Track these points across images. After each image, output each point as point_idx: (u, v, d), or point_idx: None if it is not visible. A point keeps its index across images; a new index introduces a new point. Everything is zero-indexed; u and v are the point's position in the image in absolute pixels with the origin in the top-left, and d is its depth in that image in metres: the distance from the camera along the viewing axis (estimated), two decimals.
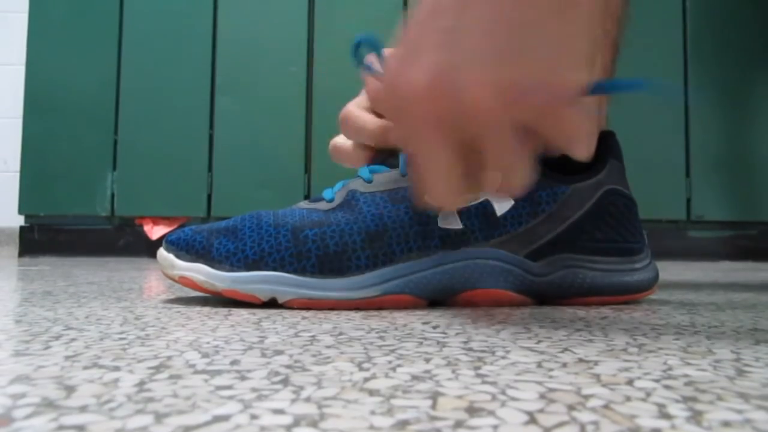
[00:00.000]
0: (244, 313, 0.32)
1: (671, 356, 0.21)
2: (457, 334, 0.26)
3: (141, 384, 0.17)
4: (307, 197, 1.38)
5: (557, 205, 0.37)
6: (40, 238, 1.41)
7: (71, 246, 1.40)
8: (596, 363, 0.20)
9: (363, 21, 1.40)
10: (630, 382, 0.17)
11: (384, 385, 0.17)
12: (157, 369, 0.19)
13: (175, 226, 1.38)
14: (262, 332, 0.26)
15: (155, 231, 1.38)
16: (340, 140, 0.41)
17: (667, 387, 0.17)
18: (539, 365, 0.20)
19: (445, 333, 0.26)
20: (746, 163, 1.40)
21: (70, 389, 0.16)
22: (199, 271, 0.35)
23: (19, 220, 1.43)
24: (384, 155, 0.39)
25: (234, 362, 0.20)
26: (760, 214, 1.39)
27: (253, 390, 0.16)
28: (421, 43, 0.25)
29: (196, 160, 1.40)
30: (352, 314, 0.33)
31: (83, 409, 0.15)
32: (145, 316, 0.31)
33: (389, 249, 0.35)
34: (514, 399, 0.16)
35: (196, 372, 0.18)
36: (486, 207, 0.36)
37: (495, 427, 0.13)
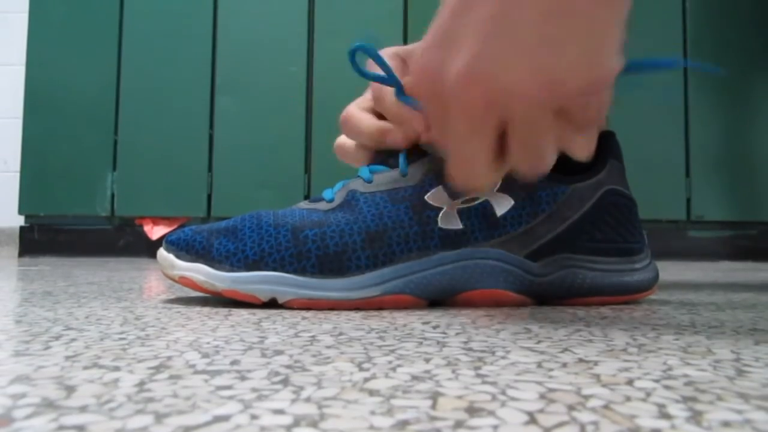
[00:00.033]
0: (244, 313, 0.32)
1: (671, 356, 0.21)
2: (457, 334, 0.26)
3: (141, 384, 0.17)
4: (307, 197, 1.38)
5: (557, 205, 0.37)
6: (40, 238, 1.41)
7: (71, 246, 1.40)
8: (596, 363, 0.20)
9: (363, 21, 1.40)
10: (630, 382, 0.17)
11: (384, 386, 0.17)
12: (157, 369, 0.19)
13: (175, 227, 1.38)
14: (262, 332, 0.26)
15: (155, 231, 1.38)
16: (344, 140, 0.41)
17: (667, 387, 0.17)
18: (539, 365, 0.20)
19: (445, 333, 0.26)
20: (746, 163, 1.40)
21: (70, 389, 0.16)
22: (199, 272, 0.35)
23: (19, 221, 1.43)
24: (384, 155, 0.39)
25: (234, 362, 0.20)
26: (760, 214, 1.39)
27: (253, 390, 0.16)
28: (460, 32, 0.26)
29: (196, 160, 1.40)
30: (352, 314, 0.33)
31: (83, 409, 0.15)
32: (145, 317, 0.31)
33: (389, 249, 0.35)
34: (514, 399, 0.16)
35: (196, 372, 0.18)
36: (486, 207, 0.36)
37: (495, 427, 0.13)
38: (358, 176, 0.38)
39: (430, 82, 0.27)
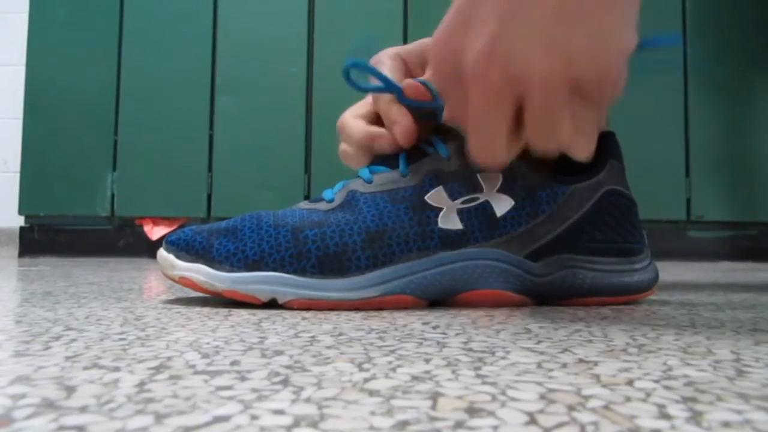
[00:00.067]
0: (244, 313, 0.32)
1: (671, 357, 0.21)
2: (457, 334, 0.26)
3: (141, 384, 0.17)
4: (307, 197, 1.38)
5: (557, 205, 0.37)
6: (40, 239, 1.41)
7: (71, 246, 1.40)
8: (596, 363, 0.20)
9: (363, 21, 1.40)
10: (630, 383, 0.17)
11: (384, 386, 0.17)
12: (157, 369, 0.19)
13: (175, 227, 1.38)
14: (262, 333, 0.26)
15: (155, 231, 1.38)
16: (346, 145, 0.42)
17: (666, 387, 0.17)
18: (539, 366, 0.20)
19: (445, 333, 0.26)
20: (746, 163, 1.40)
21: (70, 390, 0.16)
22: (199, 272, 0.35)
23: (19, 221, 1.43)
24: (384, 155, 0.39)
25: (234, 363, 0.20)
26: (760, 214, 1.39)
27: (253, 390, 0.16)
28: (478, 15, 0.27)
29: (196, 160, 1.40)
30: (352, 315, 0.33)
31: (83, 409, 0.15)
32: (145, 317, 0.31)
33: (389, 249, 0.35)
34: (514, 399, 0.16)
35: (197, 372, 0.18)
36: (486, 207, 0.36)
37: (495, 427, 0.13)
38: (358, 176, 0.38)
39: (450, 63, 0.28)
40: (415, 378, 0.18)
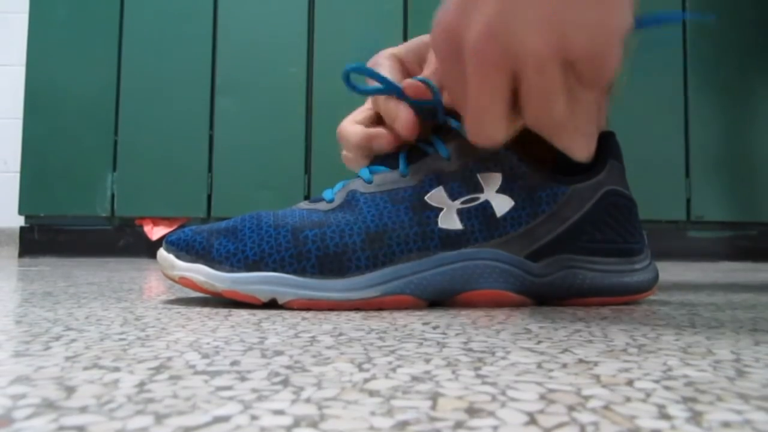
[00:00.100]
0: (244, 313, 0.32)
1: (671, 357, 0.21)
2: (457, 334, 0.26)
3: (141, 385, 0.17)
4: (307, 198, 1.38)
5: (557, 205, 0.37)
6: (40, 239, 1.41)
7: (71, 246, 1.40)
8: (596, 364, 0.20)
9: (363, 21, 1.40)
10: (630, 383, 0.17)
11: (384, 386, 0.17)
12: (158, 370, 0.19)
13: (175, 227, 1.38)
14: (262, 333, 0.26)
15: (155, 231, 1.38)
16: (346, 150, 0.42)
17: (666, 388, 0.17)
18: (539, 366, 0.20)
19: (445, 334, 0.26)
20: (746, 163, 1.40)
21: (70, 390, 0.16)
22: (199, 272, 0.35)
23: (19, 221, 1.43)
24: (384, 156, 0.39)
25: (234, 363, 0.20)
26: (760, 214, 1.39)
27: (254, 391, 0.16)
28: None
29: (196, 160, 1.40)
30: (352, 315, 0.33)
31: (83, 409, 0.15)
32: (145, 317, 0.31)
33: (389, 250, 0.35)
34: (514, 400, 0.16)
35: (197, 373, 0.18)
36: (486, 208, 0.36)
37: (495, 427, 0.13)
38: (358, 176, 0.38)
39: (451, 41, 0.29)
40: (415, 378, 0.18)
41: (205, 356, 0.21)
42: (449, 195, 0.36)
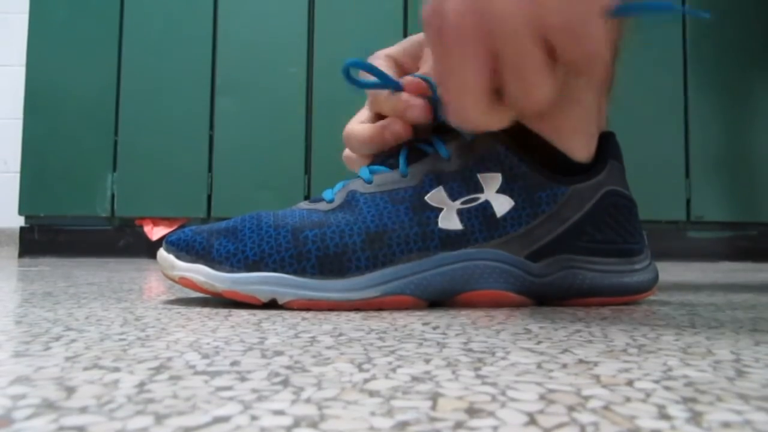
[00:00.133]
0: (244, 314, 0.32)
1: (671, 357, 0.21)
2: (457, 335, 0.26)
3: (141, 385, 0.17)
4: (307, 198, 1.38)
5: (557, 206, 0.37)
6: (40, 239, 1.41)
7: (71, 247, 1.40)
8: (596, 364, 0.20)
9: (363, 21, 1.40)
10: (630, 383, 0.17)
11: (384, 386, 0.17)
12: (158, 370, 0.19)
13: (175, 227, 1.38)
14: (262, 333, 0.26)
15: (155, 232, 1.38)
16: (350, 151, 0.42)
17: (666, 388, 0.17)
18: (539, 366, 0.20)
19: (445, 334, 0.26)
20: (746, 164, 1.40)
21: (70, 390, 0.16)
22: (199, 272, 0.35)
23: (20, 221, 1.43)
24: (384, 156, 0.39)
25: (234, 363, 0.20)
26: (759, 214, 1.39)
27: (254, 391, 0.16)
28: None
29: (196, 160, 1.40)
30: (352, 315, 0.33)
31: (83, 410, 0.15)
32: (145, 317, 0.31)
33: (389, 250, 0.35)
34: (514, 400, 0.16)
35: (197, 373, 0.18)
36: (486, 208, 0.36)
37: (495, 428, 0.13)
38: (358, 177, 0.38)
39: (435, 21, 0.29)
40: (415, 378, 0.18)
41: (205, 356, 0.21)
42: (449, 195, 0.36)
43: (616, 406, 0.15)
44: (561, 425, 0.14)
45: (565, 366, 0.20)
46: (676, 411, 0.15)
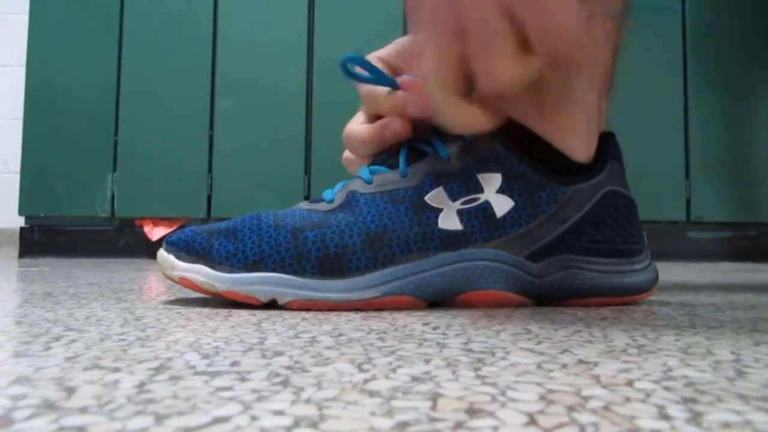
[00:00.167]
0: (244, 314, 0.32)
1: (671, 357, 0.21)
2: (457, 335, 0.26)
3: (141, 385, 0.17)
4: (307, 198, 1.38)
5: (557, 206, 0.37)
6: (41, 239, 1.41)
7: (71, 247, 1.40)
8: (596, 364, 0.20)
9: (363, 21, 1.40)
10: (630, 384, 0.17)
11: (384, 387, 0.17)
12: (158, 370, 0.19)
13: (175, 227, 1.38)
14: (262, 333, 0.26)
15: (155, 232, 1.38)
16: (349, 153, 0.42)
17: (666, 388, 0.17)
18: (539, 366, 0.20)
19: (445, 334, 0.26)
20: (746, 164, 1.40)
21: (70, 390, 0.16)
22: (199, 272, 0.35)
23: (20, 221, 1.43)
24: (384, 156, 0.39)
25: (234, 363, 0.20)
26: (759, 215, 1.39)
27: (254, 391, 0.16)
28: None
29: (196, 161, 1.40)
30: (352, 315, 0.33)
31: (83, 410, 0.15)
32: (146, 317, 0.31)
33: (389, 250, 0.35)
34: (513, 400, 0.16)
35: (197, 373, 0.18)
36: (486, 208, 0.36)
37: (495, 428, 0.13)
38: (359, 177, 0.38)
39: (416, 9, 0.30)
40: (415, 379, 0.18)
41: (205, 357, 0.21)
42: (449, 195, 0.36)
43: (616, 406, 0.15)
44: (561, 425, 0.14)
45: (565, 366, 0.20)
46: (676, 411, 0.15)
